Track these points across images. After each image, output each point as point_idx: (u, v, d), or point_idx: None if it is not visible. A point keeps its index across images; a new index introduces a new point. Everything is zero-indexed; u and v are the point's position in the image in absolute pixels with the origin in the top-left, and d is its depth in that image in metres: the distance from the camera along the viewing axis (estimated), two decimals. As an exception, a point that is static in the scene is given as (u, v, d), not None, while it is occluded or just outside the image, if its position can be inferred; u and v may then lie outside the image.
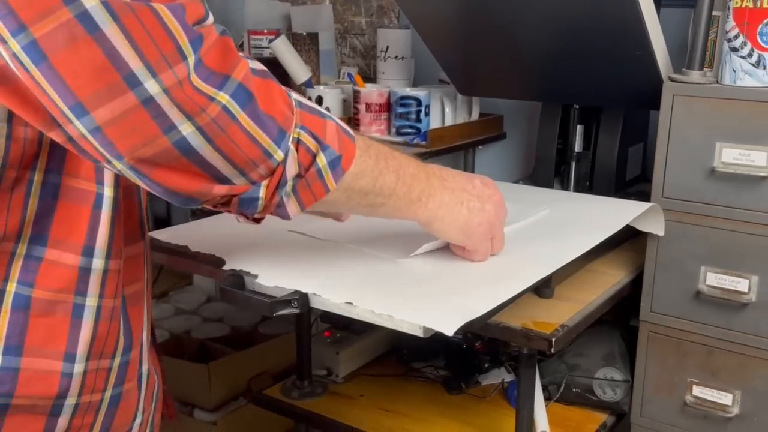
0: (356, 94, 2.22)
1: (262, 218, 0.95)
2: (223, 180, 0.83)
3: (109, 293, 0.92)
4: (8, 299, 0.85)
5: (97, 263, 0.90)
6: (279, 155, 0.85)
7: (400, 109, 2.16)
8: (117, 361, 0.95)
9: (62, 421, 0.90)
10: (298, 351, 1.68)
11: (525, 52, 1.79)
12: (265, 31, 2.51)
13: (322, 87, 2.32)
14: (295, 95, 0.91)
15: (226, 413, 2.07)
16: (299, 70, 2.29)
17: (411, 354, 1.79)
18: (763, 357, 1.38)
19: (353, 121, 2.24)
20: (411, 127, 2.16)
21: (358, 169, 0.95)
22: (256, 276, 1.11)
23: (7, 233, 0.85)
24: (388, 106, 2.21)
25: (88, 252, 0.89)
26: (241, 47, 2.66)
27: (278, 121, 0.85)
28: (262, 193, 0.87)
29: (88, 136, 0.75)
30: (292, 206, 0.91)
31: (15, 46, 0.71)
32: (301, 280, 1.08)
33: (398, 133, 2.18)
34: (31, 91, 0.74)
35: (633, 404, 1.54)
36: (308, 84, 2.30)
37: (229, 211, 0.91)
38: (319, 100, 2.28)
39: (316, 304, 1.07)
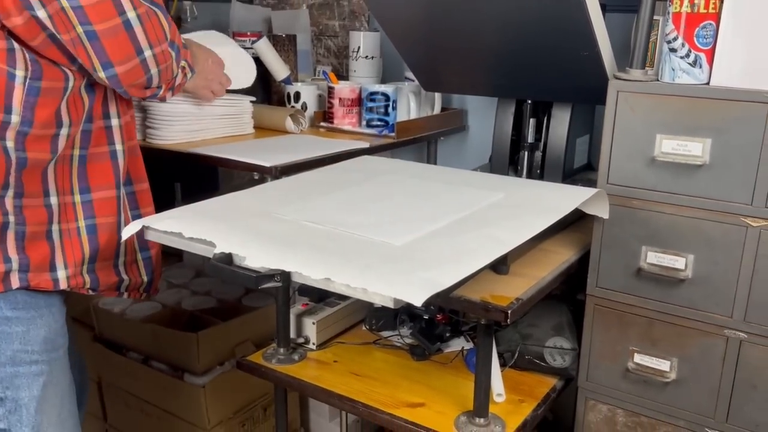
0: (330, 90, 2.21)
1: (165, 97, 1.41)
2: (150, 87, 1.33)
3: (125, 140, 1.38)
4: (74, 162, 1.30)
5: (115, 122, 1.36)
6: (175, 72, 1.36)
7: (370, 104, 2.14)
8: (134, 187, 1.44)
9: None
10: (277, 321, 1.66)
11: (483, 52, 1.77)
12: (249, 33, 2.48)
13: (299, 83, 2.30)
14: (181, 41, 1.38)
15: (213, 377, 2.05)
16: (279, 69, 2.26)
17: (380, 324, 1.76)
18: (698, 328, 1.36)
19: (328, 114, 2.21)
20: (380, 120, 2.14)
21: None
22: (244, 258, 1.11)
23: (77, 120, 1.28)
24: (359, 101, 2.20)
25: (107, 116, 1.35)
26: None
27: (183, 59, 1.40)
28: (161, 92, 1.36)
29: (105, 78, 1.22)
30: (168, 95, 1.41)
31: (80, 29, 1.15)
32: (285, 261, 1.08)
33: (368, 125, 2.16)
34: (69, 50, 1.18)
35: (580, 370, 1.53)
36: (287, 81, 2.26)
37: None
38: (297, 96, 2.25)
39: (298, 278, 1.07)
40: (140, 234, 1.33)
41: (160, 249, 1.50)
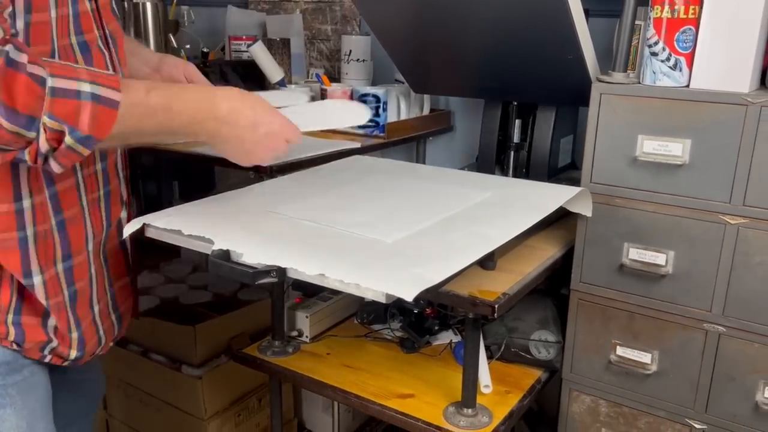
0: (323, 92, 2.20)
1: (50, 166, 0.97)
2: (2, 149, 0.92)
3: (39, 222, 1.08)
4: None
5: (27, 203, 1.05)
6: (31, 135, 0.91)
7: (362, 105, 2.13)
8: (72, 262, 1.16)
9: None
10: (272, 315, 1.66)
11: (470, 55, 1.76)
12: (244, 37, 2.47)
13: (293, 86, 2.30)
14: (58, 83, 0.92)
15: (210, 369, 2.04)
16: (274, 71, 2.24)
17: (371, 318, 1.76)
18: (678, 322, 1.36)
19: (321, 115, 2.20)
20: (371, 120, 2.13)
21: (117, 130, 0.97)
22: (241, 254, 1.11)
23: None
24: (351, 103, 2.18)
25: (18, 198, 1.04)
26: (222, 51, 2.61)
27: (23, 112, 0.90)
28: (27, 157, 0.94)
29: None
30: (54, 167, 0.96)
31: None
32: (281, 257, 1.08)
33: (359, 126, 2.14)
34: None
35: (564, 362, 1.53)
36: (281, 83, 2.25)
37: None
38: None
39: (293, 274, 1.07)
40: (74, 312, 1.18)
41: (96, 334, 1.24)
